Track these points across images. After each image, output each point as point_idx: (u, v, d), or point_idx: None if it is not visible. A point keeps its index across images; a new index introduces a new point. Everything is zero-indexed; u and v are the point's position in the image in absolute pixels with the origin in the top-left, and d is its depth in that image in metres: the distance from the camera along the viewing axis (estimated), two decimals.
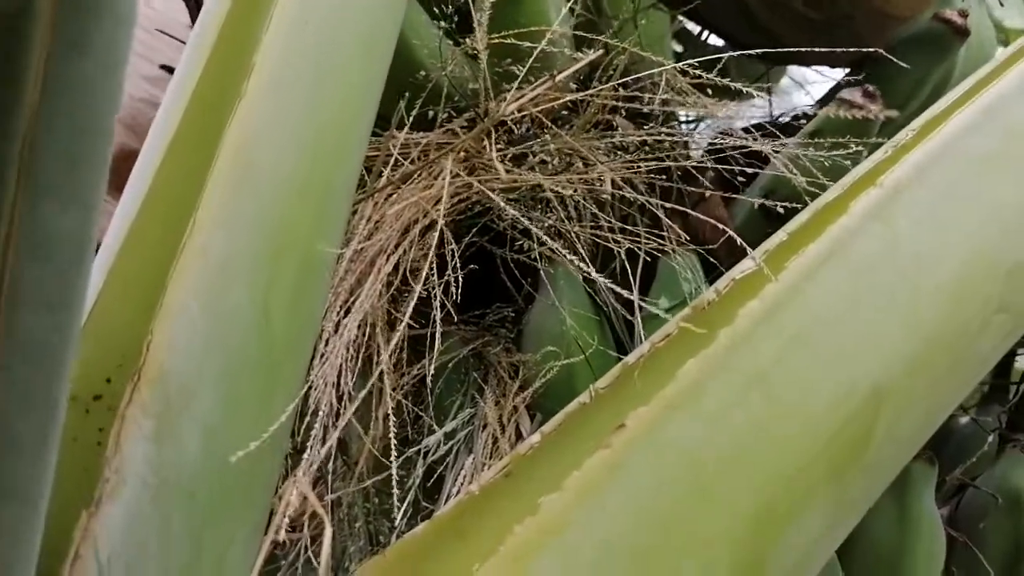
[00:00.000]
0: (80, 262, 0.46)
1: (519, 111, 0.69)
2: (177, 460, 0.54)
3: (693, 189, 0.78)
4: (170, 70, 1.23)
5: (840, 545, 0.80)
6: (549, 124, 0.71)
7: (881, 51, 0.79)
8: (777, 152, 0.72)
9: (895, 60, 0.79)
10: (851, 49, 0.78)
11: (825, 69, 0.93)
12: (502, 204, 0.63)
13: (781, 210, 0.71)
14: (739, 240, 0.67)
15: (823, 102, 0.83)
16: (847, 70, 0.90)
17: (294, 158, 0.61)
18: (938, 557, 0.78)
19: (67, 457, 0.54)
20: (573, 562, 0.54)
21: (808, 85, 0.96)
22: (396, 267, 0.72)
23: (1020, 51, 0.67)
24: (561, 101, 0.71)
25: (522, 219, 0.64)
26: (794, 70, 1.04)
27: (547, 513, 0.55)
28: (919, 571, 0.76)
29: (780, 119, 0.90)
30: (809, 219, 0.63)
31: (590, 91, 0.72)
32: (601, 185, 0.75)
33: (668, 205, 0.80)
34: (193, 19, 1.12)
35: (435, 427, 0.73)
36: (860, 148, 0.69)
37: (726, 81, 0.75)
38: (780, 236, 0.65)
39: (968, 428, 1.01)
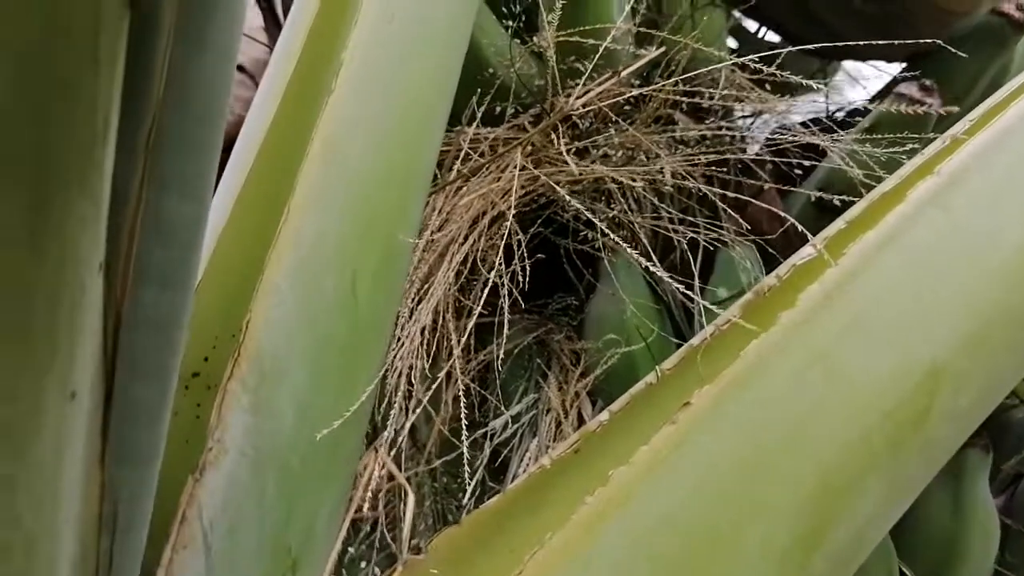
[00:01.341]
0: (195, 246, 0.50)
1: (584, 106, 0.72)
2: (272, 432, 0.58)
3: (751, 181, 0.80)
4: (240, 69, 1.28)
5: (896, 530, 0.82)
6: (613, 118, 0.74)
7: (938, 43, 0.81)
8: (834, 146, 0.74)
9: (952, 54, 0.81)
10: (908, 42, 0.80)
11: (881, 64, 0.95)
12: (567, 197, 0.67)
13: (837, 203, 0.74)
14: (799, 227, 0.70)
15: (879, 97, 0.85)
16: (903, 65, 0.91)
17: (377, 149, 0.65)
18: (992, 543, 0.79)
19: (169, 430, 0.58)
20: (640, 531, 0.57)
21: (863, 80, 0.98)
22: (465, 257, 0.76)
23: None
24: (625, 96, 0.74)
25: (585, 211, 0.67)
26: (849, 66, 1.05)
27: (616, 485, 0.58)
28: (973, 556, 0.78)
29: (836, 114, 0.92)
30: (867, 208, 0.66)
31: (652, 87, 0.75)
32: (662, 177, 0.78)
33: (729, 194, 0.83)
34: (266, 21, 1.17)
35: (502, 410, 0.76)
36: (915, 145, 0.71)
37: (784, 75, 0.77)
38: (839, 224, 0.67)
39: None
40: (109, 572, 0.48)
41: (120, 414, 0.47)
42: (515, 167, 0.72)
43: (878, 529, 0.62)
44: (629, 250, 0.74)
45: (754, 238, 0.86)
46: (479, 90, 0.81)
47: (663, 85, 0.75)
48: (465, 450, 0.67)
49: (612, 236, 0.76)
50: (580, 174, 0.75)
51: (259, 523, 0.57)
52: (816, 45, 0.82)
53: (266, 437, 0.57)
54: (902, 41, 0.77)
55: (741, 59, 0.77)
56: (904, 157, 0.69)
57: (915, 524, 0.80)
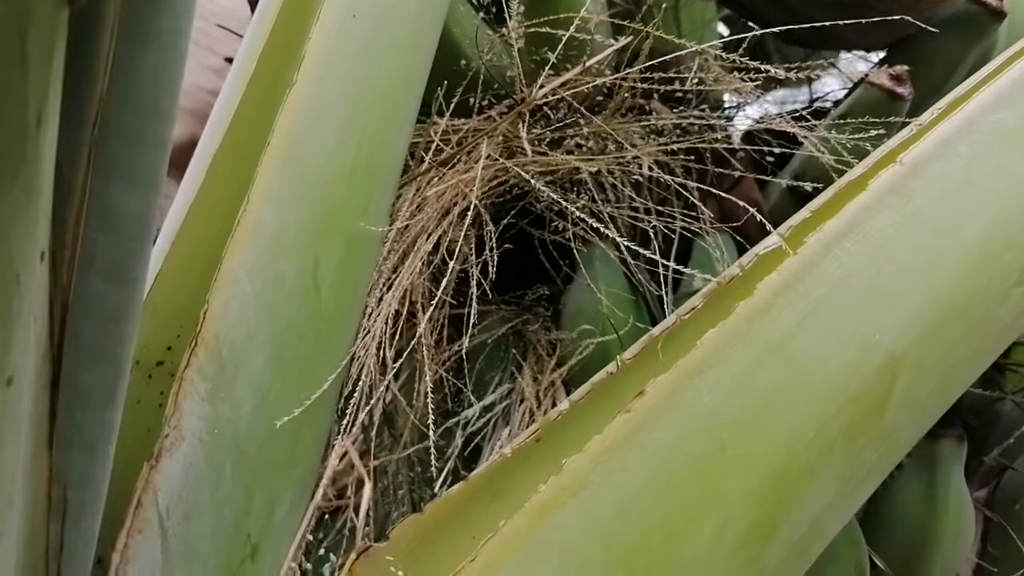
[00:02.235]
0: (143, 236, 0.51)
1: (552, 95, 0.72)
2: (230, 419, 0.59)
3: (725, 172, 0.80)
4: (229, 61, 1.29)
5: (869, 518, 0.82)
6: (581, 110, 0.75)
7: (915, 31, 0.80)
8: (807, 134, 0.74)
9: (930, 42, 0.81)
10: (883, 29, 0.79)
11: (863, 53, 0.94)
12: (535, 184, 0.67)
13: (811, 190, 0.74)
14: (766, 222, 0.70)
15: (854, 85, 0.84)
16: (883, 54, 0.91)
17: (339, 141, 0.66)
18: (965, 533, 0.79)
19: (131, 418, 0.59)
20: (592, 518, 0.57)
21: (848, 69, 0.98)
22: (437, 247, 0.76)
23: None
24: (591, 85, 0.74)
25: (556, 199, 0.67)
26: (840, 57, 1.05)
27: (569, 473, 0.58)
28: (945, 546, 0.78)
29: (817, 103, 0.92)
30: (830, 197, 0.66)
31: (618, 75, 0.75)
32: (635, 167, 0.78)
33: (703, 187, 0.83)
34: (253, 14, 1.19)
35: (473, 400, 0.77)
36: (883, 132, 0.70)
37: (760, 65, 0.77)
38: (803, 214, 0.67)
39: (1014, 412, 1.01)
40: (60, 554, 0.49)
41: (69, 399, 0.48)
42: (484, 156, 0.72)
43: (836, 518, 0.62)
44: (601, 239, 0.74)
45: (728, 228, 0.86)
46: (453, 81, 0.82)
47: (628, 74, 0.75)
48: (432, 440, 0.67)
49: (584, 225, 0.76)
50: (548, 163, 0.75)
51: (216, 509, 0.58)
52: (792, 32, 0.82)
53: (223, 425, 0.58)
54: (873, 25, 0.76)
55: (709, 45, 0.77)
56: (869, 146, 0.69)
57: (888, 513, 0.80)
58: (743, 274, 0.64)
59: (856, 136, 0.72)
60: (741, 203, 0.86)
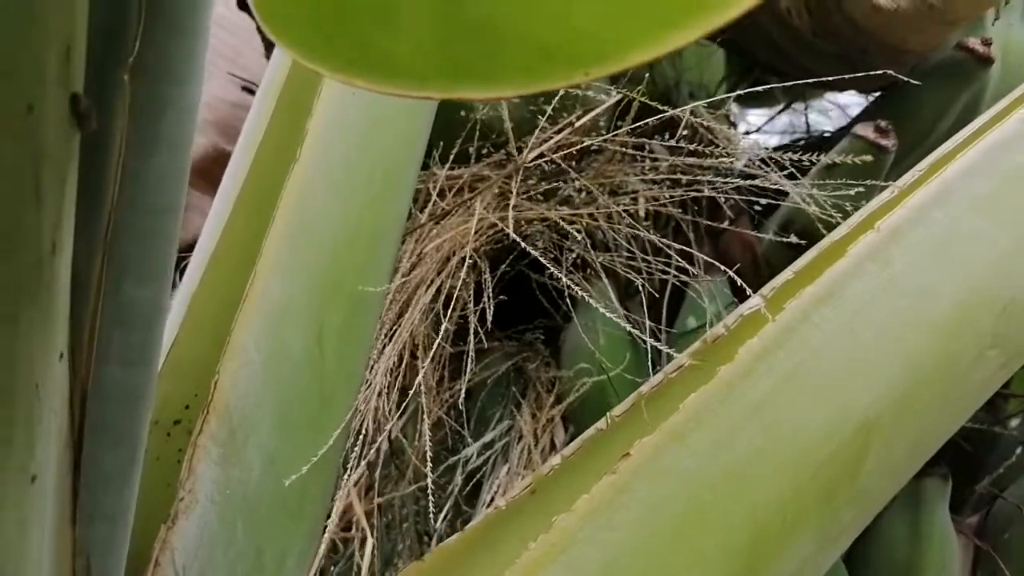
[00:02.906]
0: (155, 324, 0.55)
1: (541, 156, 0.75)
2: (241, 480, 0.63)
3: (711, 224, 0.83)
4: (252, 92, 1.32)
5: (855, 557, 0.86)
6: (567, 167, 0.78)
7: (903, 78, 0.82)
8: (793, 187, 0.76)
9: (919, 87, 0.83)
10: (871, 75, 0.82)
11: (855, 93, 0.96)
12: (522, 243, 0.70)
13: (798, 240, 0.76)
14: (741, 279, 0.73)
15: (842, 133, 0.86)
16: (878, 94, 0.93)
17: (342, 212, 0.69)
18: (949, 569, 0.82)
19: (151, 475, 0.64)
20: (579, 574, 0.61)
21: (840, 107, 1.00)
22: (437, 294, 0.80)
23: (1017, 100, 0.70)
24: (577, 148, 0.77)
25: (539, 257, 0.70)
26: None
27: (558, 531, 0.62)
28: None
29: (810, 140, 0.94)
30: (811, 261, 0.68)
31: (606, 136, 0.78)
32: (620, 217, 0.81)
33: (699, 226, 0.86)
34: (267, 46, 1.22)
35: (470, 440, 0.80)
36: (862, 189, 0.73)
37: (750, 124, 0.79)
38: (786, 274, 0.70)
39: (1010, 439, 1.04)
40: None
41: (89, 479, 0.52)
42: (479, 212, 0.75)
43: (813, 572, 0.65)
44: (595, 285, 0.77)
45: (723, 269, 0.89)
46: (453, 130, 0.85)
47: (616, 134, 0.78)
48: (429, 482, 0.71)
49: (575, 276, 0.80)
50: (543, 214, 0.78)
51: (229, 565, 0.62)
52: (768, 87, 0.85)
53: (235, 486, 0.62)
54: (855, 75, 0.78)
55: (699, 103, 0.79)
56: (849, 206, 0.71)
57: (874, 551, 0.83)
58: (726, 336, 0.67)
59: (834, 194, 0.75)
60: (737, 243, 0.89)
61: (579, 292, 0.85)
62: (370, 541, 0.64)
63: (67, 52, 0.42)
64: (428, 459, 0.84)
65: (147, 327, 0.54)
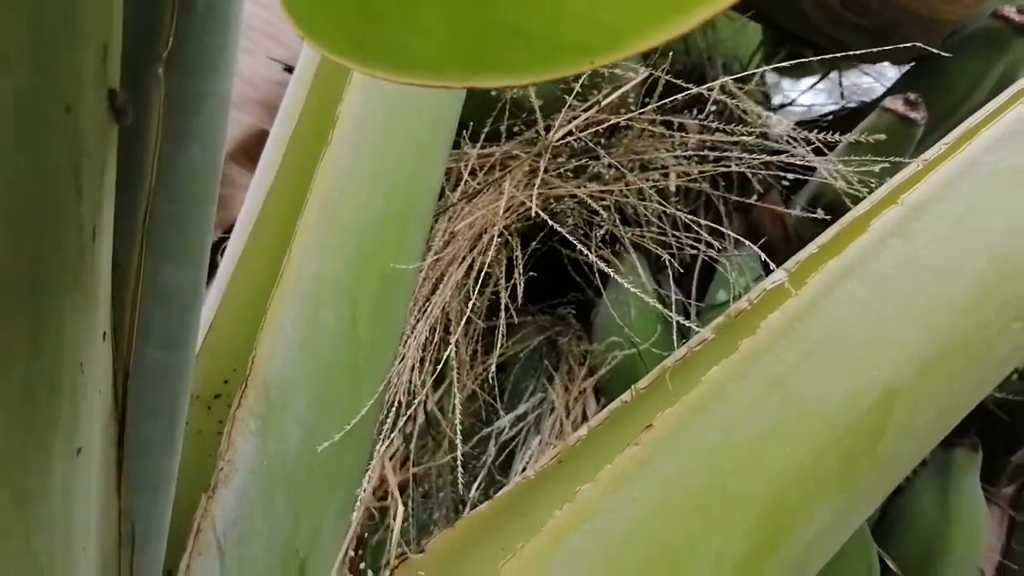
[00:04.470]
0: (192, 306, 0.58)
1: (569, 135, 0.77)
2: (279, 451, 0.66)
3: (740, 199, 0.83)
4: (290, 70, 1.35)
5: (884, 525, 0.86)
6: (593, 145, 0.79)
7: (931, 51, 0.82)
8: (822, 162, 0.76)
9: (953, 58, 0.82)
10: (904, 47, 0.81)
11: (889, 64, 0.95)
12: (548, 220, 0.72)
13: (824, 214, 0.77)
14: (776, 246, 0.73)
15: (873, 105, 0.86)
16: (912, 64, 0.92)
17: (373, 193, 0.71)
18: (977, 539, 0.82)
19: (193, 447, 0.67)
20: (601, 543, 0.63)
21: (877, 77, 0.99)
22: (469, 270, 0.82)
23: None
24: (607, 124, 0.78)
25: (566, 235, 0.72)
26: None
27: (582, 500, 0.64)
28: (957, 551, 0.81)
29: (839, 112, 0.94)
30: (834, 236, 0.69)
31: (633, 113, 0.79)
32: (659, 186, 0.82)
33: (732, 197, 0.86)
34: None
35: (502, 412, 0.83)
36: (886, 165, 0.73)
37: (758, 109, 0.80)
38: (811, 248, 0.70)
39: None
40: None
41: (132, 451, 0.56)
42: (508, 191, 0.77)
43: (834, 540, 0.67)
44: (623, 262, 0.79)
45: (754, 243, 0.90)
46: (485, 108, 0.86)
47: (643, 112, 0.79)
48: (465, 449, 0.74)
49: (605, 251, 0.81)
50: (572, 191, 0.80)
51: (268, 530, 0.65)
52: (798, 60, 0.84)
53: (273, 457, 0.66)
54: (886, 48, 0.78)
55: (731, 78, 0.80)
56: (873, 182, 0.72)
57: (903, 519, 0.84)
58: (749, 310, 0.68)
59: (858, 170, 0.75)
60: (768, 216, 0.90)
61: (607, 268, 0.87)
62: (400, 509, 0.67)
63: (104, 51, 0.45)
64: (461, 431, 0.87)
65: (185, 309, 0.57)
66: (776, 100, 1.10)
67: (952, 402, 0.67)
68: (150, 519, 0.58)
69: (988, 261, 0.66)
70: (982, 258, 0.66)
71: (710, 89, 0.76)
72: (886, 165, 0.74)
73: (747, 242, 0.80)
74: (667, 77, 0.77)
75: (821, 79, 1.01)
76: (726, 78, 0.82)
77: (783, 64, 0.91)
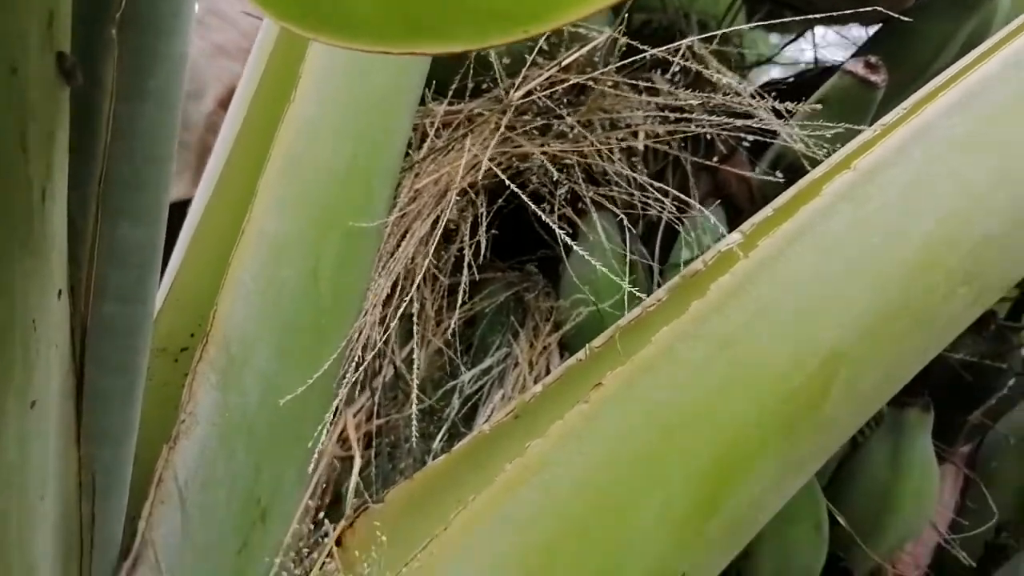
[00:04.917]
0: (150, 264, 0.59)
1: (531, 94, 0.77)
2: (240, 405, 0.68)
3: (699, 161, 0.84)
4: None
5: (836, 482, 0.89)
6: (554, 106, 0.79)
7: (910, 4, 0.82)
8: (783, 126, 0.77)
9: (920, 18, 0.82)
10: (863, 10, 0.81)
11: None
12: (507, 181, 0.73)
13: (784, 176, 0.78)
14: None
15: (832, 70, 0.86)
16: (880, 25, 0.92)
17: (336, 150, 0.72)
18: (926, 496, 0.85)
19: (160, 399, 0.69)
20: (549, 495, 0.65)
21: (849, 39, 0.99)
22: (433, 227, 0.83)
23: (1007, 36, 0.70)
24: (571, 83, 0.79)
25: (524, 198, 0.73)
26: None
27: (532, 455, 0.66)
28: (905, 509, 0.84)
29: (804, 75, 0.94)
30: (787, 200, 0.70)
31: (591, 75, 0.79)
32: (616, 150, 0.83)
33: (690, 158, 0.87)
34: None
35: (463, 368, 0.84)
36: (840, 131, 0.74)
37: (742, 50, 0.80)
38: (766, 211, 0.71)
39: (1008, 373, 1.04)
40: (92, 527, 0.60)
41: (91, 404, 0.58)
42: (471, 149, 0.78)
43: (777, 497, 0.69)
44: (589, 220, 0.80)
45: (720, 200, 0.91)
46: (452, 64, 0.87)
47: (603, 72, 0.79)
48: (413, 408, 0.76)
49: (569, 209, 0.82)
50: (532, 150, 0.81)
51: (230, 480, 0.67)
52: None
53: (234, 409, 0.68)
54: (855, 10, 0.78)
55: (696, 38, 0.80)
56: (838, 145, 0.72)
57: (855, 478, 0.86)
58: (702, 272, 0.70)
59: (817, 135, 0.75)
60: (734, 175, 0.91)
61: (565, 230, 0.88)
62: (358, 462, 0.69)
63: (50, 18, 0.46)
64: (431, 384, 0.89)
65: (142, 266, 0.58)
66: (760, 54, 1.10)
67: (897, 365, 0.69)
68: (111, 470, 0.60)
69: (937, 226, 0.67)
70: (931, 223, 0.67)
71: (676, 51, 0.77)
72: (839, 130, 0.75)
73: (701, 205, 0.81)
74: (626, 39, 0.77)
75: (796, 38, 1.01)
76: (693, 39, 0.83)
77: (754, 25, 0.91)
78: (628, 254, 0.90)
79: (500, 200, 0.87)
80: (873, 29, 0.93)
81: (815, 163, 0.77)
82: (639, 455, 0.66)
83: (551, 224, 0.88)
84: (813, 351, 0.66)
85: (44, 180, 0.47)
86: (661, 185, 0.81)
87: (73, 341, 0.56)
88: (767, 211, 0.71)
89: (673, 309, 0.68)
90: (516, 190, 0.72)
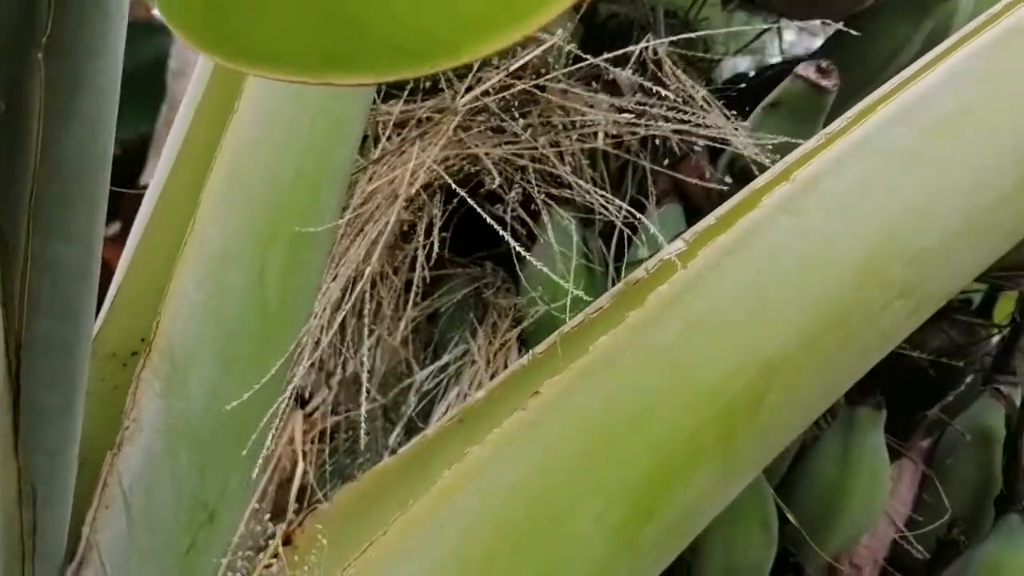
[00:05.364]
0: (83, 279, 0.60)
1: (485, 95, 0.78)
2: (183, 411, 0.70)
3: (655, 167, 0.84)
4: None
5: (787, 479, 0.90)
6: (499, 112, 0.80)
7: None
8: (735, 131, 0.77)
9: (880, 19, 0.82)
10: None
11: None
12: (453, 184, 0.74)
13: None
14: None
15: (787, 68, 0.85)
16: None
17: (281, 160, 0.73)
18: (876, 494, 0.86)
19: (110, 402, 0.71)
20: (486, 501, 0.66)
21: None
22: (388, 227, 0.83)
23: (948, 49, 0.69)
24: (513, 91, 0.79)
25: (473, 203, 0.73)
26: None
27: (469, 461, 0.67)
28: (854, 507, 0.85)
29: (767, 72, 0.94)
30: (727, 211, 0.70)
31: (537, 80, 0.80)
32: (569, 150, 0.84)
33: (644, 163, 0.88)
34: None
35: (415, 367, 0.86)
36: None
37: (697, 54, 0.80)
38: (709, 219, 0.72)
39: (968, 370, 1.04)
40: (34, 534, 0.61)
41: (29, 417, 0.59)
42: (423, 152, 0.79)
43: (714, 505, 0.70)
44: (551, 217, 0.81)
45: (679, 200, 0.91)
46: None
47: (554, 76, 0.79)
48: (359, 412, 0.77)
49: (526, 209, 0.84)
50: (482, 151, 0.81)
51: (175, 485, 0.69)
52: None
53: (177, 416, 0.69)
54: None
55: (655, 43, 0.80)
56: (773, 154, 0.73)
57: (806, 475, 0.87)
58: (644, 280, 0.70)
59: (764, 141, 0.76)
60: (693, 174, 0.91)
61: (519, 231, 0.89)
62: (301, 466, 0.71)
63: None
64: (388, 380, 0.90)
65: (75, 281, 0.59)
66: (728, 45, 1.09)
67: (832, 376, 0.70)
68: (52, 480, 0.61)
69: (875, 238, 0.68)
70: (869, 236, 0.68)
71: (635, 53, 0.77)
72: (787, 137, 0.75)
73: (660, 202, 0.82)
74: (573, 47, 0.77)
75: (760, 36, 1.00)
76: (654, 42, 0.83)
77: (724, 32, 0.91)
78: (586, 252, 0.91)
79: (456, 200, 0.87)
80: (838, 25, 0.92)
81: (763, 168, 0.77)
82: (576, 463, 0.67)
83: (502, 228, 0.89)
84: (748, 362, 0.67)
85: None
86: (605, 196, 0.81)
87: (8, 355, 0.57)
88: (710, 219, 0.72)
89: (613, 317, 0.69)
90: (465, 196, 0.74)
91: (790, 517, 0.85)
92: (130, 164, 1.76)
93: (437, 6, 0.39)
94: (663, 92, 0.82)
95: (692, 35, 0.87)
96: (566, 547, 0.67)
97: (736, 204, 0.70)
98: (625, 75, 0.89)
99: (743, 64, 1.10)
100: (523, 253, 0.79)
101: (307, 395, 0.87)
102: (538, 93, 0.87)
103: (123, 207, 1.13)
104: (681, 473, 0.67)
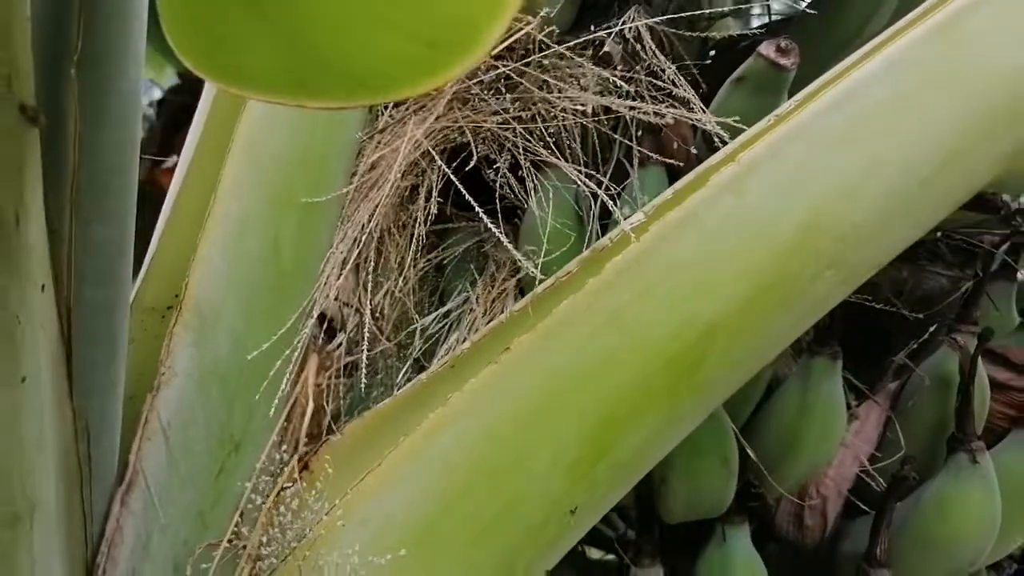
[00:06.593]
0: (119, 255, 0.72)
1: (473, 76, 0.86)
2: (212, 358, 0.82)
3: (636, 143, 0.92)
4: None
5: (751, 422, 0.99)
6: (503, 74, 0.88)
7: None
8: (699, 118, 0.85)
9: None
10: None
11: None
12: (438, 158, 0.83)
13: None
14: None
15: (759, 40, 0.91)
16: None
17: (290, 135, 0.83)
18: (830, 435, 0.94)
19: (150, 350, 0.83)
20: (464, 440, 0.78)
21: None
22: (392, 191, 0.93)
23: (889, 37, 0.75)
24: (495, 73, 0.87)
25: (457, 183, 0.83)
26: None
27: (451, 406, 0.78)
28: (809, 447, 0.94)
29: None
30: (679, 189, 0.78)
31: (516, 64, 0.88)
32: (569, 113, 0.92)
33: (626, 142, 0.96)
34: None
35: (415, 318, 0.96)
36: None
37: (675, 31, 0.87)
38: (667, 194, 0.80)
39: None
40: (89, 462, 0.75)
41: (80, 367, 0.72)
42: (420, 128, 0.88)
43: (659, 448, 0.80)
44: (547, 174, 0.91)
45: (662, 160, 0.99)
46: None
47: (532, 60, 0.87)
48: (364, 350, 0.88)
49: (509, 179, 0.93)
50: (482, 120, 0.90)
51: (206, 420, 0.82)
52: None
53: (207, 363, 0.81)
54: None
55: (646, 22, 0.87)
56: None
57: (768, 417, 0.96)
58: (605, 250, 0.79)
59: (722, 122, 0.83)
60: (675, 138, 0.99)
61: (519, 186, 0.98)
62: (311, 407, 0.83)
63: (8, 79, 0.57)
64: (401, 324, 1.02)
65: (112, 257, 0.71)
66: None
67: (768, 336, 0.78)
68: (101, 418, 0.74)
69: (808, 216, 0.75)
70: (803, 213, 0.75)
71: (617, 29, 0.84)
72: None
73: (644, 165, 0.91)
74: (541, 35, 0.85)
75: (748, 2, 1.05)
76: (643, 21, 0.90)
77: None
78: (576, 210, 0.99)
79: (458, 160, 0.97)
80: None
81: (725, 142, 0.84)
82: (538, 410, 0.77)
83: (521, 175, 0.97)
84: (691, 324, 0.76)
85: (17, 205, 0.60)
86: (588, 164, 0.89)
87: (60, 321, 0.70)
88: (667, 194, 0.80)
89: (576, 283, 0.78)
90: (444, 166, 0.82)
91: (751, 454, 0.94)
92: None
93: (378, 46, 0.48)
94: (637, 68, 0.90)
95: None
96: (528, 482, 0.78)
97: (688, 182, 0.78)
98: (617, 48, 0.97)
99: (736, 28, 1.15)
100: (501, 232, 0.88)
101: (336, 326, 0.98)
102: (539, 52, 0.95)
103: (177, 146, 1.26)
104: (630, 419, 0.77)
